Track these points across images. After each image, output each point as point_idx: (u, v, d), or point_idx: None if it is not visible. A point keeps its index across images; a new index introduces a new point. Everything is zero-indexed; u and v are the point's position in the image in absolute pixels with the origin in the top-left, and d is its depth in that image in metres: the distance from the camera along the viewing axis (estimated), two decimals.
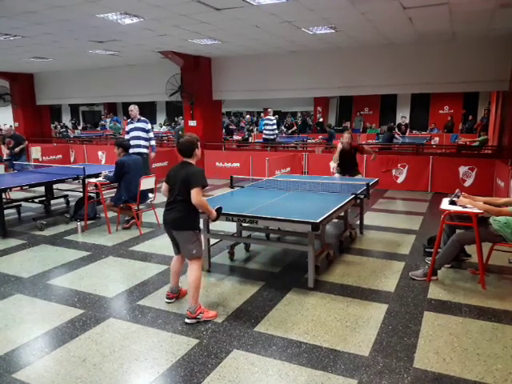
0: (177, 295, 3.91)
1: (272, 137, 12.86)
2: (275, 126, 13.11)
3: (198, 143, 3.59)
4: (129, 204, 6.06)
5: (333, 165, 7.68)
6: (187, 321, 3.49)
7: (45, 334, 3.35)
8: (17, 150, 10.05)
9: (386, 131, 13.42)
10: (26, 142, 10.54)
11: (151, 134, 8.19)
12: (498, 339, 3.19)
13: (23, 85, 14.63)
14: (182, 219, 3.51)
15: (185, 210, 3.49)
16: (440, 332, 3.30)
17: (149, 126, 8.16)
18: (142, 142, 8.03)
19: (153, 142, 8.20)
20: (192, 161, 3.55)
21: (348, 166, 7.35)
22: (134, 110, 8.04)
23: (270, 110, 13.32)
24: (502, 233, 4.00)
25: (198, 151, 3.57)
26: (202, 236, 4.52)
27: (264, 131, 13.02)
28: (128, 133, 8.15)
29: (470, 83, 9.34)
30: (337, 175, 7.38)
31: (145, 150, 8.10)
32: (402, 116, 18.31)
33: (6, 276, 4.55)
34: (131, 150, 7.59)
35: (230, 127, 18.62)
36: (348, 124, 20.90)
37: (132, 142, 7.79)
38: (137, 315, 3.64)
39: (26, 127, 14.85)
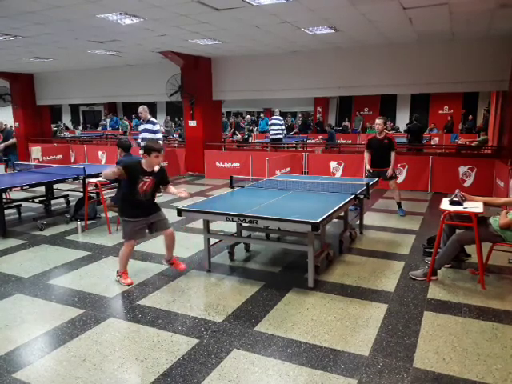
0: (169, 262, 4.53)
1: (281, 136, 12.84)
2: (283, 126, 13.12)
3: (155, 152, 4.03)
4: None
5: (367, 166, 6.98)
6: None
7: (45, 333, 3.36)
8: (1, 146, 9.80)
9: (414, 122, 12.43)
10: (14, 140, 10.27)
11: (159, 135, 8.35)
12: (498, 339, 3.19)
13: (23, 85, 14.62)
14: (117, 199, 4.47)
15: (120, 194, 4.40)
16: (440, 332, 3.31)
17: (156, 127, 8.37)
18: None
19: (160, 143, 8.26)
20: (145, 161, 4.10)
21: (381, 161, 6.78)
22: (142, 111, 8.33)
23: (276, 110, 13.33)
24: (502, 233, 4.00)
25: (149, 158, 4.06)
26: (203, 236, 4.56)
27: (271, 131, 12.93)
28: (141, 133, 8.47)
29: (470, 83, 9.34)
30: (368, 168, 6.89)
31: None
32: (393, 124, 18.57)
33: (6, 276, 4.56)
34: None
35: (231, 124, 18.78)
36: (348, 124, 20.93)
37: (142, 144, 8.14)
38: (137, 315, 3.64)
39: (26, 127, 14.86)
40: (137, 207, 4.13)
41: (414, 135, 12.11)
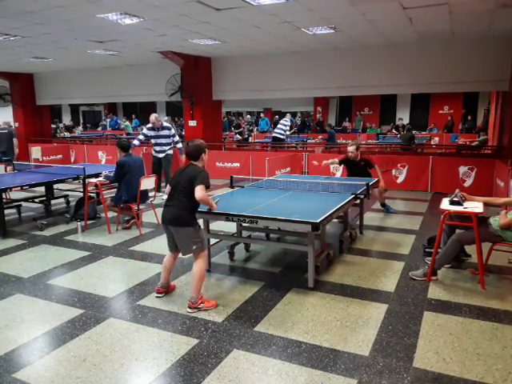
0: (166, 290, 4.03)
1: (281, 136, 12.95)
2: (287, 127, 13.25)
3: (206, 149, 3.79)
4: (129, 204, 6.06)
5: (325, 162, 6.92)
6: (188, 310, 3.66)
7: (45, 333, 3.36)
8: None
9: (407, 131, 13.13)
10: None
11: (177, 138, 8.54)
12: (498, 339, 3.19)
13: (23, 85, 14.62)
14: (183, 216, 3.67)
15: (186, 207, 3.67)
16: (440, 332, 3.30)
17: (172, 132, 8.52)
18: (167, 147, 8.46)
19: (179, 145, 8.51)
20: (199, 163, 3.75)
21: (356, 175, 6.71)
22: (155, 121, 8.33)
23: (288, 114, 13.83)
24: (502, 233, 4.00)
25: (204, 156, 3.77)
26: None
27: (276, 130, 13.12)
28: (151, 138, 8.50)
29: (470, 83, 9.35)
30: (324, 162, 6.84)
31: (170, 152, 8.55)
32: (399, 118, 18.55)
33: (6, 276, 4.55)
34: (157, 155, 8.43)
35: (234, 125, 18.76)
36: (348, 124, 20.92)
37: (156, 148, 8.44)
38: (137, 315, 3.64)
39: (26, 127, 14.85)
40: None
41: (406, 142, 12.32)
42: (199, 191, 3.52)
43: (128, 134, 18.28)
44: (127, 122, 19.94)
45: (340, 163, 7.02)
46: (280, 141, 12.83)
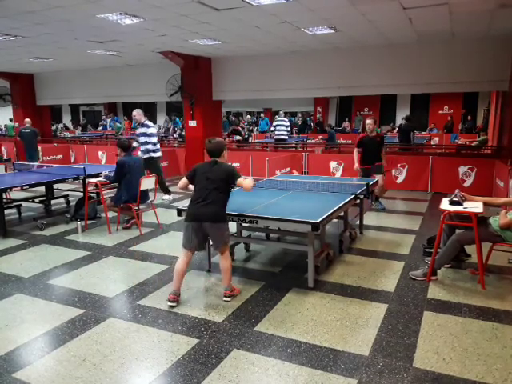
0: (179, 297, 3.87)
1: (285, 137, 12.91)
2: (289, 128, 13.19)
3: (226, 147, 3.96)
4: (129, 204, 6.07)
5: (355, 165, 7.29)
6: (227, 299, 3.87)
7: (45, 333, 3.36)
8: None
9: (405, 122, 12.39)
10: None
11: (153, 139, 8.01)
12: (498, 339, 3.19)
13: (23, 85, 14.61)
14: (222, 212, 3.80)
15: (223, 203, 3.82)
16: (440, 332, 3.31)
17: (150, 130, 8.00)
18: (150, 147, 7.98)
19: (148, 146, 7.94)
20: (223, 160, 3.89)
21: (372, 158, 7.14)
22: (136, 115, 8.04)
23: (281, 112, 13.63)
24: (502, 233, 4.00)
25: (225, 153, 3.92)
26: None
27: (276, 131, 13.06)
28: (139, 137, 8.23)
29: (470, 83, 9.34)
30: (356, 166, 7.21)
31: (157, 154, 8.09)
32: (403, 118, 18.55)
33: (7, 276, 4.56)
34: (143, 155, 7.94)
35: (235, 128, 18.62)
36: (347, 124, 20.93)
37: (141, 147, 8.05)
38: (137, 315, 3.64)
39: None
40: None
41: (404, 135, 12.13)
42: (246, 182, 3.76)
43: (117, 133, 18.26)
44: (118, 124, 19.90)
45: (358, 146, 7.38)
46: (284, 141, 12.84)
